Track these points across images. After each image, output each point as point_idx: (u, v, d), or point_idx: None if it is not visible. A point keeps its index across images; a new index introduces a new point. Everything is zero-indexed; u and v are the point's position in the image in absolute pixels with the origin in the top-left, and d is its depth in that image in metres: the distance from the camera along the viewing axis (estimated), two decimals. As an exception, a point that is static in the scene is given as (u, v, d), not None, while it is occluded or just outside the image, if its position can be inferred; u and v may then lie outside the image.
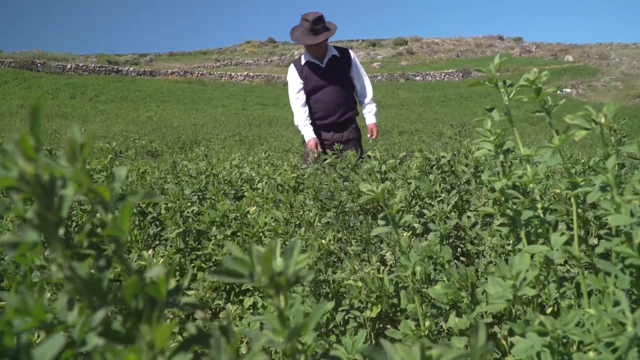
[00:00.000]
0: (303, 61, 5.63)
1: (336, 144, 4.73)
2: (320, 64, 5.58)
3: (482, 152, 1.33)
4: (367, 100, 5.82)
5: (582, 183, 1.23)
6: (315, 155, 5.32)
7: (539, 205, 1.30)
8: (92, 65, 41.40)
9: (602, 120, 1.10)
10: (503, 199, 1.32)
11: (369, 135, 5.75)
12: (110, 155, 2.97)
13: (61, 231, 0.57)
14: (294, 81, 5.67)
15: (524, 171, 2.15)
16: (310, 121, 5.66)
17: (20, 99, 29.98)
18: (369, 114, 5.81)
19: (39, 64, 39.02)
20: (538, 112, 1.24)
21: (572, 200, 1.24)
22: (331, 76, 5.59)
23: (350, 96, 5.76)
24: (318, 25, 5.39)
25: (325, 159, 4.11)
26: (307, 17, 5.41)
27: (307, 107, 5.66)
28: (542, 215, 1.29)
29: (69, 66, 40.00)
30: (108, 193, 0.61)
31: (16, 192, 0.53)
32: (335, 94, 5.62)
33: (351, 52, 5.82)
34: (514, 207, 1.30)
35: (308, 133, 5.61)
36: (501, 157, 1.32)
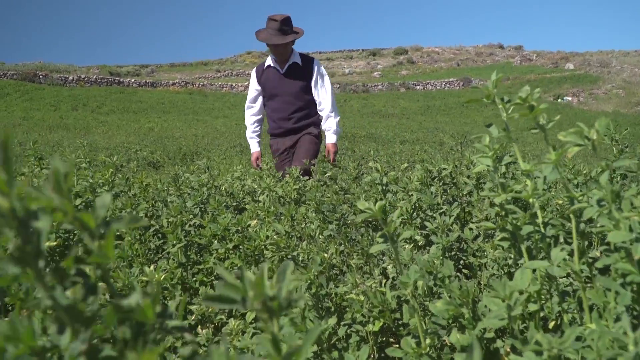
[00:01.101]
0: (266, 65, 5.47)
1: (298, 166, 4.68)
2: (280, 70, 5.38)
3: (481, 167, 1.34)
4: (325, 114, 5.41)
5: (580, 198, 1.24)
6: (256, 168, 5.30)
7: (539, 220, 1.30)
8: (94, 77, 41.57)
9: (594, 137, 1.10)
10: (503, 213, 1.33)
11: (325, 157, 5.38)
12: (111, 170, 2.98)
13: (41, 263, 0.58)
14: (251, 87, 5.59)
15: (525, 184, 2.15)
16: (258, 132, 5.62)
17: (22, 111, 30.10)
18: (327, 131, 5.44)
19: (41, 76, 39.19)
20: (533, 130, 1.25)
21: (571, 215, 1.25)
22: (287, 84, 5.37)
23: (310, 106, 5.46)
24: (286, 26, 5.19)
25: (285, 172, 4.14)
26: (274, 17, 5.19)
27: (258, 117, 5.60)
28: (542, 230, 1.29)
29: (71, 78, 40.18)
30: (93, 221, 0.62)
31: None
32: (289, 101, 5.39)
33: (317, 63, 5.51)
34: (514, 222, 1.30)
35: (252, 146, 5.62)
36: (502, 170, 1.33)
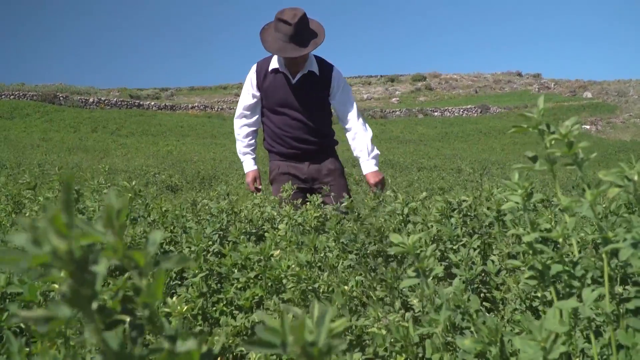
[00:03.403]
0: (271, 66, 4.20)
1: (324, 188, 3.87)
2: (291, 78, 4.16)
3: (510, 205, 1.33)
4: (354, 131, 4.33)
5: (613, 237, 1.22)
6: (253, 191, 4.38)
7: (568, 259, 1.29)
8: (114, 100, 42.07)
9: (636, 178, 1.09)
10: (531, 251, 1.32)
11: (373, 190, 4.10)
12: (130, 194, 2.99)
13: (94, 305, 0.58)
14: (247, 92, 4.33)
15: (550, 217, 2.13)
16: (253, 147, 4.51)
17: (42, 132, 30.44)
18: (363, 156, 4.29)
19: (61, 98, 39.70)
20: (569, 165, 1.24)
21: (604, 255, 1.23)
22: (300, 96, 4.18)
23: (327, 124, 4.39)
24: (303, 29, 3.94)
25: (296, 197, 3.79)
26: (284, 16, 3.91)
27: (253, 128, 4.45)
28: (571, 270, 1.28)
29: (91, 100, 40.67)
30: (143, 259, 0.62)
31: (49, 268, 0.55)
32: (304, 119, 4.22)
33: (336, 71, 4.31)
34: (543, 260, 1.29)
35: (247, 164, 4.46)
36: (530, 209, 1.32)
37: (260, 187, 4.45)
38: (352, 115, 4.35)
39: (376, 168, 4.27)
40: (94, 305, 0.57)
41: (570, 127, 1.18)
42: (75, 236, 0.54)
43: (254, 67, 4.29)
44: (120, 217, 0.60)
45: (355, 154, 4.38)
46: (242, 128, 4.44)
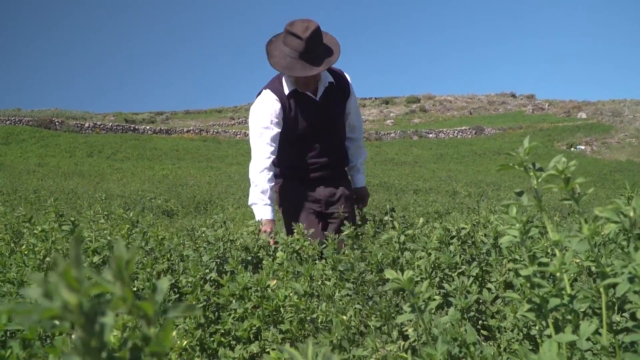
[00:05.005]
0: (287, 89, 3.60)
1: (341, 213, 3.53)
2: (313, 97, 3.63)
3: (508, 238, 1.34)
4: (356, 144, 3.99)
5: (610, 271, 1.23)
6: (271, 244, 3.41)
7: (566, 293, 1.30)
8: (110, 124, 42.10)
9: (631, 214, 1.11)
10: (529, 285, 1.32)
11: (359, 206, 3.96)
12: (127, 225, 3.00)
13: (104, 354, 0.59)
14: (269, 121, 3.56)
15: (545, 246, 2.14)
16: (271, 193, 3.56)
17: (37, 157, 30.39)
18: (358, 170, 4.01)
19: (57, 123, 39.72)
20: (566, 200, 1.25)
21: (602, 290, 1.24)
22: (326, 116, 3.68)
23: (344, 140, 3.94)
24: (316, 45, 3.40)
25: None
26: (294, 29, 3.37)
27: (272, 171, 3.57)
28: (568, 304, 1.29)
29: (86, 125, 40.70)
30: (152, 308, 0.63)
31: (59, 321, 0.56)
32: (329, 142, 3.76)
33: (348, 77, 3.82)
34: (541, 294, 1.30)
35: (265, 210, 3.54)
36: (527, 243, 1.33)
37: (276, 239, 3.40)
38: (360, 129, 4.03)
39: (365, 183, 4.06)
40: (103, 354, 0.58)
41: (566, 163, 1.20)
42: (85, 288, 0.56)
43: (272, 95, 3.62)
44: (129, 267, 0.61)
45: (352, 163, 4.01)
46: (266, 161, 3.57)
